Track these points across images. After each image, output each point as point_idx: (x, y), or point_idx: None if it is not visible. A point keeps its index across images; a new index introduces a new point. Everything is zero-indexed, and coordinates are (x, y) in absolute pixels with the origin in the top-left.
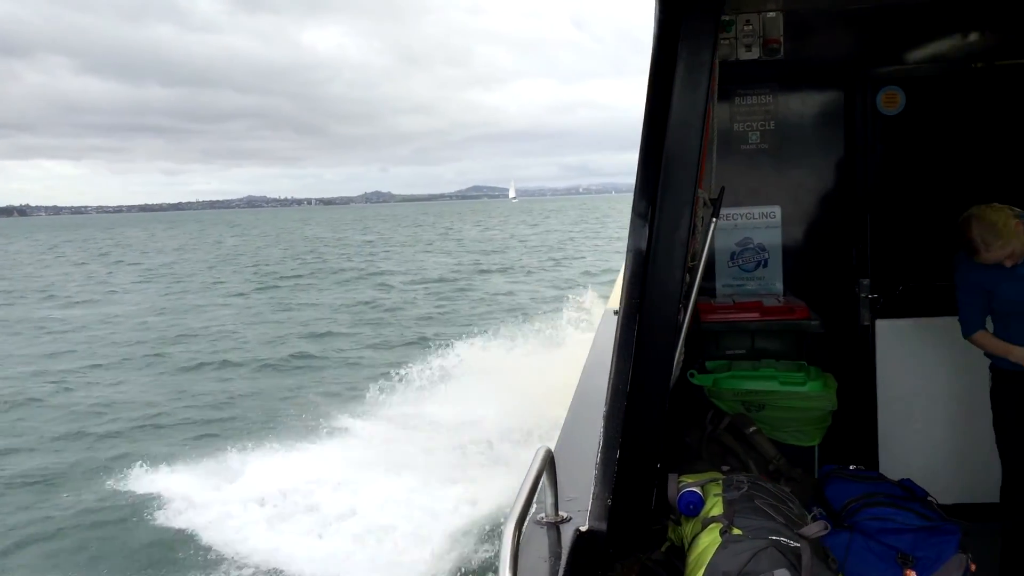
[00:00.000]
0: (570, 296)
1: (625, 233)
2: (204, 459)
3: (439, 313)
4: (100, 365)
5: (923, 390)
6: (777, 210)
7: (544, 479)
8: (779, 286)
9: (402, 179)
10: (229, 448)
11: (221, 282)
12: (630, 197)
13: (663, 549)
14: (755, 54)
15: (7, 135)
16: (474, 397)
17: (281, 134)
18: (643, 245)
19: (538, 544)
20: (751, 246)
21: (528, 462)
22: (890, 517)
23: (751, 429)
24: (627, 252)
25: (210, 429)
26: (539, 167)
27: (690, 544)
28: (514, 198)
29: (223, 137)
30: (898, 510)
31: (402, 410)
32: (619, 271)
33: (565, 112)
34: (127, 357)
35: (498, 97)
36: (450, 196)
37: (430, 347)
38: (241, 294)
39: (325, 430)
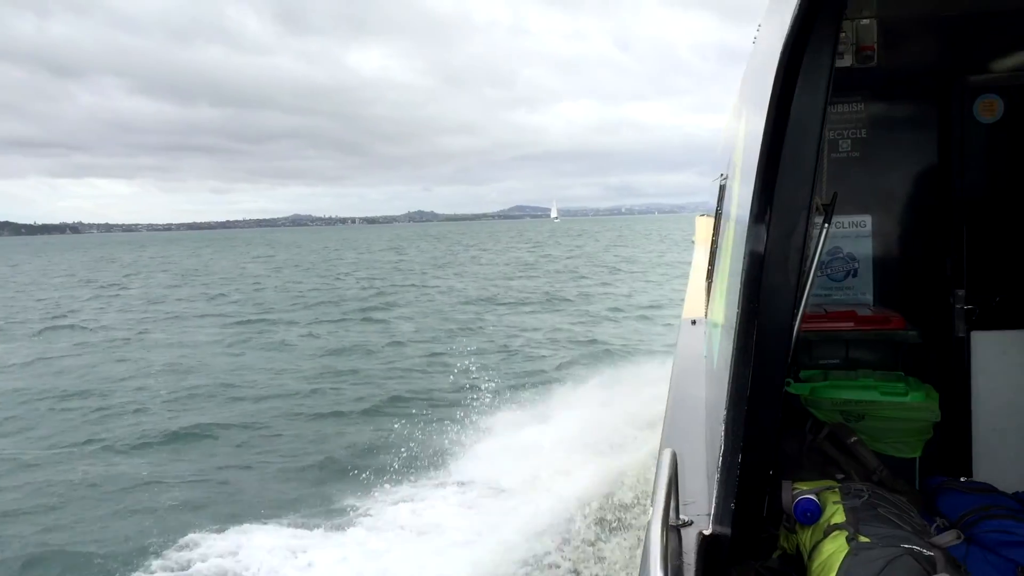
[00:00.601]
0: None
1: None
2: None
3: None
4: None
5: (1021, 403)
6: (868, 219)
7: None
8: (869, 296)
9: (444, 198)
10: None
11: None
12: (673, 218)
13: (775, 556)
14: (848, 61)
15: (62, 154)
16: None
17: (326, 154)
18: (760, 249)
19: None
20: (840, 255)
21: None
22: (1010, 530)
23: (852, 439)
24: (744, 257)
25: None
26: (581, 187)
27: (811, 552)
28: (556, 218)
29: (269, 157)
30: (1019, 523)
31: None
32: (685, 285)
33: (608, 133)
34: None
35: (541, 117)
36: (493, 216)
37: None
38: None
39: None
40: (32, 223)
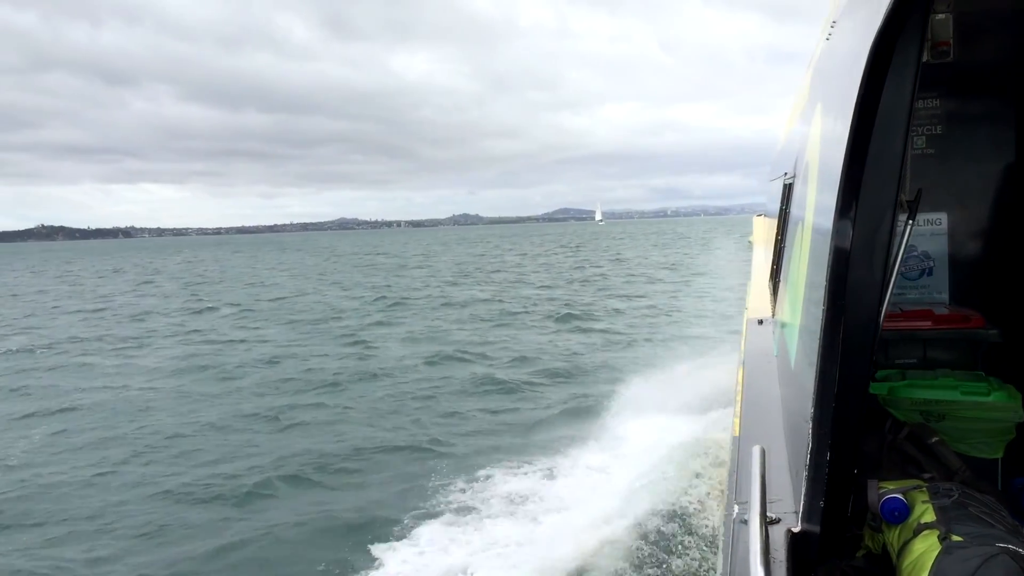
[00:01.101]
0: None
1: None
2: None
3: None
4: None
5: None
6: (943, 217)
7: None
8: (944, 295)
9: (489, 202)
10: None
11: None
12: (720, 220)
13: (859, 555)
14: (924, 57)
15: (115, 160)
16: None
17: (372, 158)
18: (846, 246)
19: (745, 543)
20: (915, 254)
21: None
22: None
23: (934, 439)
24: (828, 254)
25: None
26: (626, 190)
27: (900, 551)
28: (600, 220)
29: (317, 161)
30: None
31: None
32: (747, 283)
33: (652, 135)
34: None
35: (586, 120)
36: (538, 219)
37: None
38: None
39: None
40: (86, 227)
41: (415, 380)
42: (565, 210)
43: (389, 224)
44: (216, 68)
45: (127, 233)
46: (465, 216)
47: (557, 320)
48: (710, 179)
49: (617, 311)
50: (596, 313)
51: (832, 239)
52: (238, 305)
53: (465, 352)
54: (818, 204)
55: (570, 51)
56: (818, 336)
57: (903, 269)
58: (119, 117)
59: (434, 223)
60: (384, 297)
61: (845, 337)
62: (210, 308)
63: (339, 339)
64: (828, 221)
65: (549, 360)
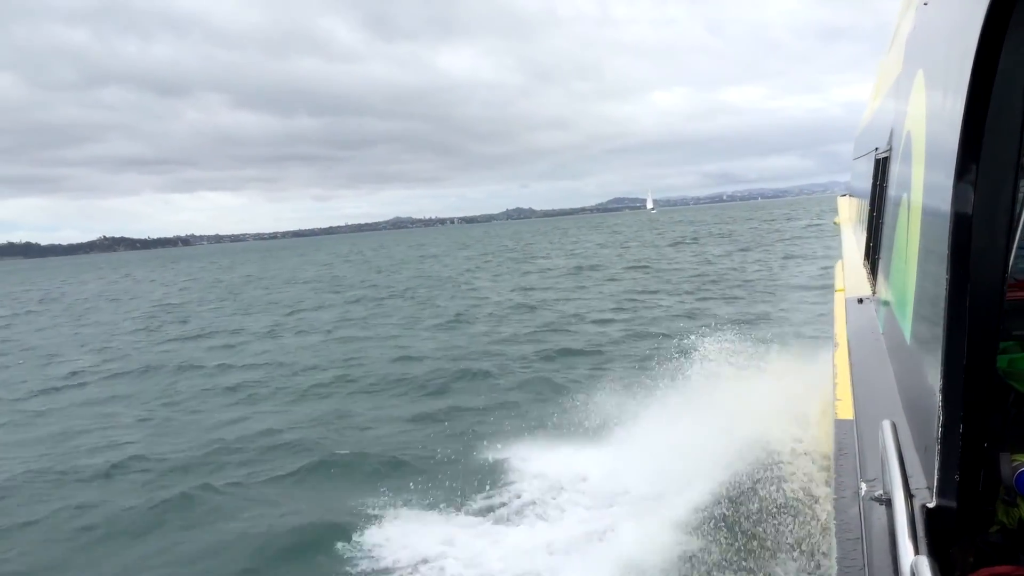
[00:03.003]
0: None
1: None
2: None
3: None
4: None
5: None
6: None
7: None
8: None
9: (542, 194)
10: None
11: None
12: (776, 203)
13: (993, 531)
14: None
15: (172, 170)
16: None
17: (422, 156)
18: (968, 211)
19: (880, 518)
20: None
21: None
22: None
23: None
24: (950, 221)
25: None
26: (679, 176)
27: None
28: (652, 209)
29: (368, 162)
30: None
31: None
32: (836, 261)
33: (703, 119)
34: None
35: (633, 108)
36: (592, 209)
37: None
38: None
39: None
40: (146, 237)
41: None
42: (619, 200)
43: (442, 221)
44: (265, 74)
45: (186, 241)
46: (519, 210)
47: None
48: (764, 162)
49: None
50: None
51: (952, 207)
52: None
53: None
54: (928, 175)
55: (612, 39)
56: (942, 308)
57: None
58: (174, 128)
59: (487, 218)
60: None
61: (971, 307)
62: None
63: None
64: (943, 191)
65: None
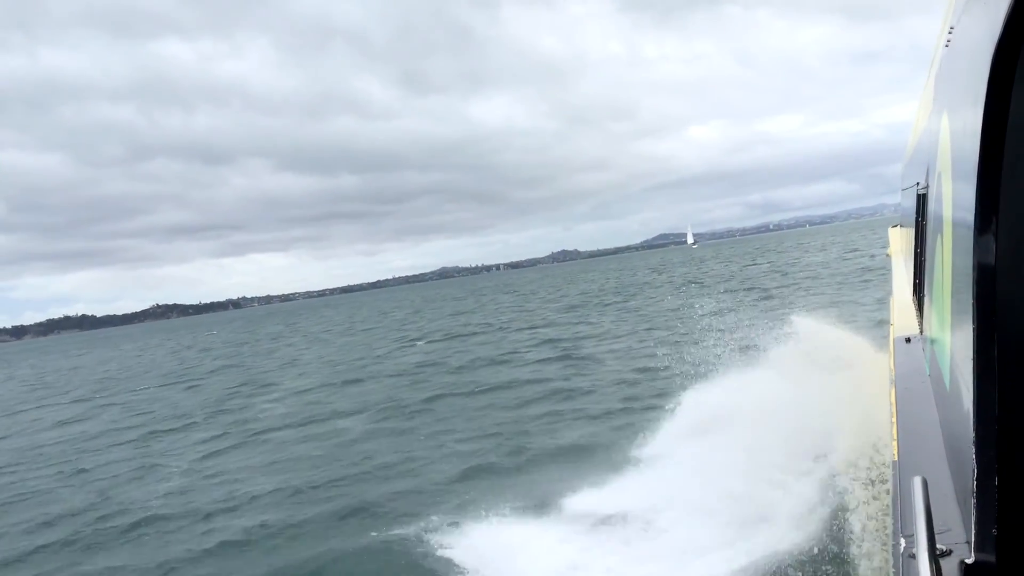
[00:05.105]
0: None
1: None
2: None
3: None
4: None
5: None
6: None
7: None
8: None
9: (586, 235)
10: None
11: None
12: (823, 230)
13: None
14: None
15: (222, 235)
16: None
17: (464, 205)
18: (990, 260)
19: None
20: None
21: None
22: None
23: None
24: (972, 269)
25: None
26: (723, 209)
27: None
28: (694, 244)
29: (411, 215)
30: None
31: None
32: (890, 299)
33: (742, 151)
34: None
35: (671, 144)
36: (637, 247)
37: None
38: None
39: None
40: (198, 303)
41: None
42: (664, 236)
43: (488, 268)
44: (304, 136)
45: (236, 304)
46: (564, 252)
47: None
48: (809, 188)
49: None
50: None
51: (974, 251)
52: None
53: None
54: (955, 215)
55: (644, 79)
56: (970, 355)
57: None
58: (221, 194)
59: (533, 262)
60: None
61: (1000, 354)
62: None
63: None
64: (967, 231)
65: None
